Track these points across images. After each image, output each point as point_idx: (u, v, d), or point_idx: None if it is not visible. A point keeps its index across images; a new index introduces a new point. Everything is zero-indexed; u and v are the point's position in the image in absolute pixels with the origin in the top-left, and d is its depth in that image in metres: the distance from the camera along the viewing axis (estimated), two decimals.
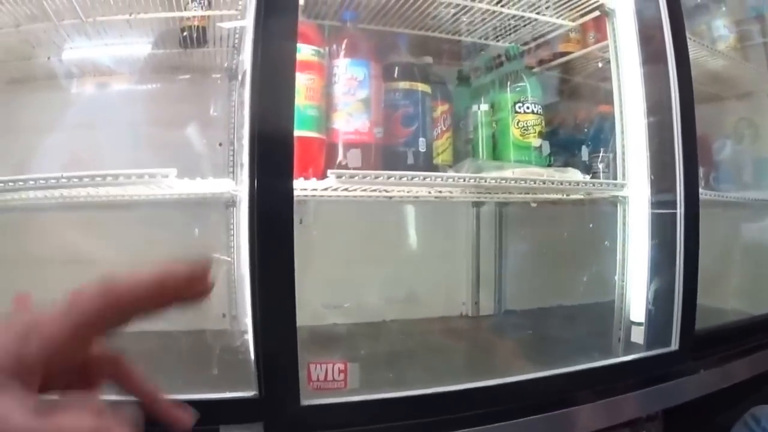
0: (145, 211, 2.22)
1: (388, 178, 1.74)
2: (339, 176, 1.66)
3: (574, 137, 2.42)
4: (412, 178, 1.79)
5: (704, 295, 2.07)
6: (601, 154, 2.26)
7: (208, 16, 2.03)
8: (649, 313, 2.03)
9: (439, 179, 1.85)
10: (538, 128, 2.20)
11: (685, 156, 1.98)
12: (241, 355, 1.68)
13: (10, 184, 1.65)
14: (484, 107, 2.26)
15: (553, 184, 2.02)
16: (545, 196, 2.21)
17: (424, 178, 1.81)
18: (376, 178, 1.73)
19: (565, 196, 2.17)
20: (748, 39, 2.89)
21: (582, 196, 2.21)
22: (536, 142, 2.18)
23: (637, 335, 2.06)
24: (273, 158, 1.45)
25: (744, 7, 2.96)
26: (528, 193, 2.21)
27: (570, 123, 2.52)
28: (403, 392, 1.59)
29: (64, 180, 1.62)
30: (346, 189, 1.78)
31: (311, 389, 1.60)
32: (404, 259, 2.63)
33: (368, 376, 1.71)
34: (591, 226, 2.44)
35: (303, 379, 1.53)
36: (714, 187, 2.69)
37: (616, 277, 2.12)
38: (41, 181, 1.63)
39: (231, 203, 2.34)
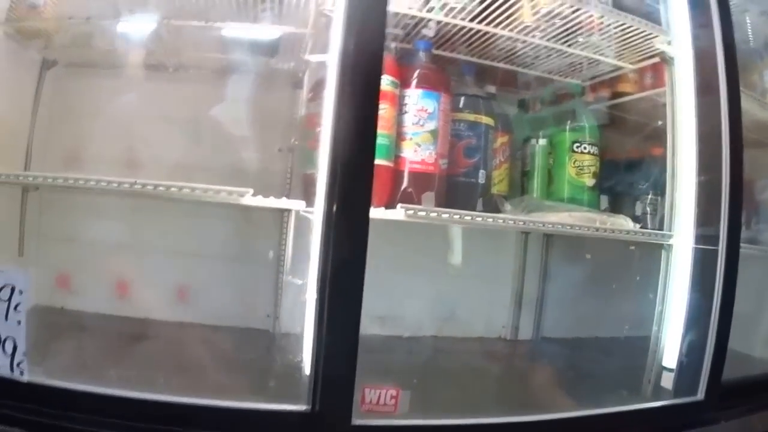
0: (198, 207, 2.30)
1: (454, 215, 1.86)
2: (408, 210, 1.78)
3: (625, 177, 2.51)
4: (476, 218, 1.90)
5: (734, 340, 2.14)
6: (650, 197, 2.35)
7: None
8: (680, 362, 2.11)
9: (500, 221, 1.96)
10: (593, 169, 2.32)
11: (731, 212, 2.07)
12: (290, 365, 1.78)
13: (81, 182, 1.76)
14: (543, 142, 2.39)
15: (605, 231, 2.11)
16: (594, 235, 2.24)
17: (486, 219, 1.92)
18: (443, 215, 1.85)
19: (612, 233, 2.21)
20: None
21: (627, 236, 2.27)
22: (590, 182, 2.30)
23: (667, 381, 2.14)
24: (354, 189, 1.56)
25: None
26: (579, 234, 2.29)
27: (622, 162, 2.60)
28: (447, 420, 1.71)
29: (138, 186, 1.73)
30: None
31: (362, 411, 1.68)
32: (449, 276, 2.70)
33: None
34: (635, 262, 2.49)
35: (356, 400, 1.60)
36: (754, 230, 2.77)
37: (654, 322, 2.20)
38: (114, 184, 1.74)
39: (286, 209, 2.40)
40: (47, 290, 2.34)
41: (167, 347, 2.23)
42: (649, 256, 2.28)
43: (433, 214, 1.83)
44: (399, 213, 1.78)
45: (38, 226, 2.35)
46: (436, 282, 2.68)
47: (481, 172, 2.15)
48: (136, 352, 2.10)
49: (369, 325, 2.35)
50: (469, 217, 1.89)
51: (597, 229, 2.09)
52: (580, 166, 2.31)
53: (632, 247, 2.36)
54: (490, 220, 1.94)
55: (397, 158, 1.97)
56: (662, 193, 2.27)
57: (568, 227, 2.06)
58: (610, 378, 2.36)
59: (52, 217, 2.36)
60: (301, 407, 1.58)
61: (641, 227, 2.25)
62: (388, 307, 2.49)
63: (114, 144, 2.31)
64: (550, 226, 2.06)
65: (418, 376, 2.11)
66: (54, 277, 2.36)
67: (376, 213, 1.73)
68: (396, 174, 1.97)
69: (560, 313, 2.95)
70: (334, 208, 1.55)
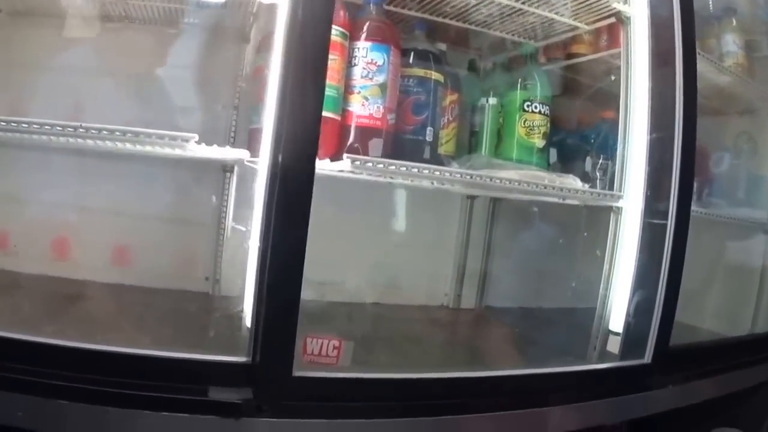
0: (139, 165, 2.32)
1: (401, 167, 1.85)
2: (354, 161, 1.76)
3: (576, 139, 2.54)
4: (423, 171, 1.89)
5: (681, 311, 2.18)
6: (600, 161, 2.37)
7: None
8: (627, 324, 2.14)
9: (447, 174, 1.96)
10: (543, 129, 2.32)
11: (682, 175, 2.10)
12: (231, 319, 1.80)
13: (24, 125, 1.71)
14: (493, 101, 2.39)
15: (553, 189, 2.12)
16: (542, 198, 2.31)
17: (434, 172, 1.91)
18: (390, 166, 1.84)
19: (561, 200, 2.25)
20: (756, 50, 3.01)
21: (578, 203, 2.31)
22: (540, 142, 2.31)
23: (613, 345, 2.17)
24: (300, 138, 1.56)
25: (755, 17, 3.06)
26: (526, 194, 2.31)
27: (573, 124, 2.63)
28: (390, 375, 1.74)
29: (81, 130, 1.69)
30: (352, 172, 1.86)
31: (304, 362, 1.70)
32: (392, 243, 2.73)
33: None
34: (583, 231, 2.54)
35: (297, 351, 1.60)
36: (706, 202, 2.82)
37: (601, 285, 2.22)
38: (58, 128, 1.70)
39: (229, 168, 2.43)
40: None
41: (104, 306, 2.23)
42: (597, 225, 2.32)
43: (380, 166, 1.83)
44: (345, 164, 1.77)
45: None
46: (378, 248, 2.70)
47: (429, 130, 2.15)
48: (73, 311, 2.09)
49: (308, 291, 2.38)
50: (416, 170, 1.88)
51: (545, 187, 2.10)
52: (530, 126, 2.31)
53: (581, 212, 2.41)
54: (438, 173, 1.93)
55: (345, 112, 1.98)
56: (613, 157, 2.28)
57: (516, 183, 2.06)
58: (555, 344, 2.41)
59: None
60: (241, 359, 1.59)
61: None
62: (328, 272, 2.47)
63: (55, 97, 2.27)
64: (497, 182, 2.02)
65: (359, 341, 2.08)
66: None
67: (321, 165, 1.73)
68: (343, 128, 1.98)
69: (504, 282, 2.98)
70: (280, 157, 1.56)
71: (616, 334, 2.18)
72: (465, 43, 2.70)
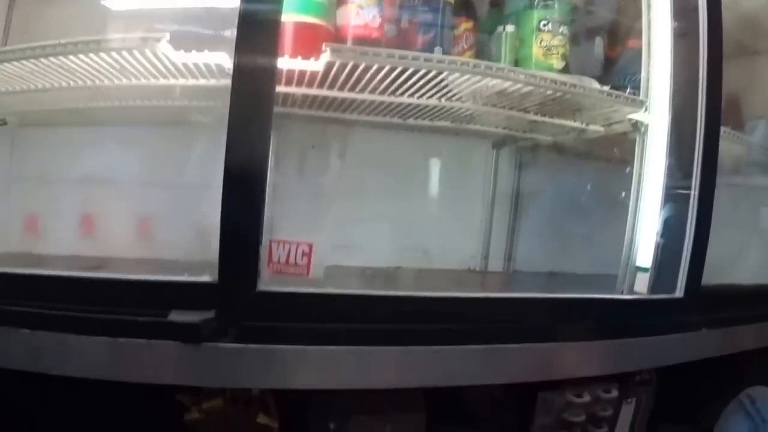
0: (154, 129, 2.20)
1: (389, 56, 1.66)
2: (335, 50, 1.60)
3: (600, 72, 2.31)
4: (414, 59, 1.70)
5: (715, 275, 1.98)
6: (627, 92, 2.10)
7: None
8: (656, 255, 1.93)
9: (444, 62, 1.75)
10: (561, 50, 2.09)
11: (709, 85, 1.88)
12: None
13: (9, 54, 1.69)
14: (510, 28, 2.16)
15: (566, 86, 1.89)
16: (564, 122, 2.12)
17: (426, 60, 1.72)
18: (376, 55, 1.66)
19: (584, 125, 2.10)
20: None
21: (601, 128, 2.14)
22: (558, 64, 2.07)
23: (641, 284, 1.96)
24: (258, 30, 1.40)
25: None
26: (545, 115, 2.13)
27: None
28: (376, 292, 1.52)
29: (60, 47, 1.64)
30: (347, 73, 1.72)
31: (270, 272, 1.53)
32: (418, 206, 2.57)
33: None
34: (610, 185, 2.31)
35: (263, 265, 1.46)
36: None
37: (628, 221, 2.02)
38: (38, 50, 1.66)
39: None
40: (15, 235, 2.24)
41: None
42: (623, 178, 2.10)
43: (366, 55, 1.65)
44: (324, 57, 1.62)
45: (9, 167, 2.25)
46: (404, 212, 2.52)
47: (437, 49, 1.92)
48: None
49: (329, 255, 2.18)
50: (407, 58, 1.69)
51: (556, 83, 1.88)
52: (548, 46, 2.09)
53: (605, 127, 2.19)
54: (432, 62, 1.73)
55: (340, 24, 1.81)
56: (637, 87, 2.07)
57: (522, 76, 1.84)
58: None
59: (24, 155, 2.25)
60: (207, 278, 1.44)
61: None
62: (347, 236, 2.31)
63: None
64: (501, 72, 1.81)
65: None
66: (23, 221, 2.24)
67: (299, 63, 1.64)
68: (338, 41, 1.78)
69: (533, 246, 2.79)
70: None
71: (644, 270, 1.97)
72: None
